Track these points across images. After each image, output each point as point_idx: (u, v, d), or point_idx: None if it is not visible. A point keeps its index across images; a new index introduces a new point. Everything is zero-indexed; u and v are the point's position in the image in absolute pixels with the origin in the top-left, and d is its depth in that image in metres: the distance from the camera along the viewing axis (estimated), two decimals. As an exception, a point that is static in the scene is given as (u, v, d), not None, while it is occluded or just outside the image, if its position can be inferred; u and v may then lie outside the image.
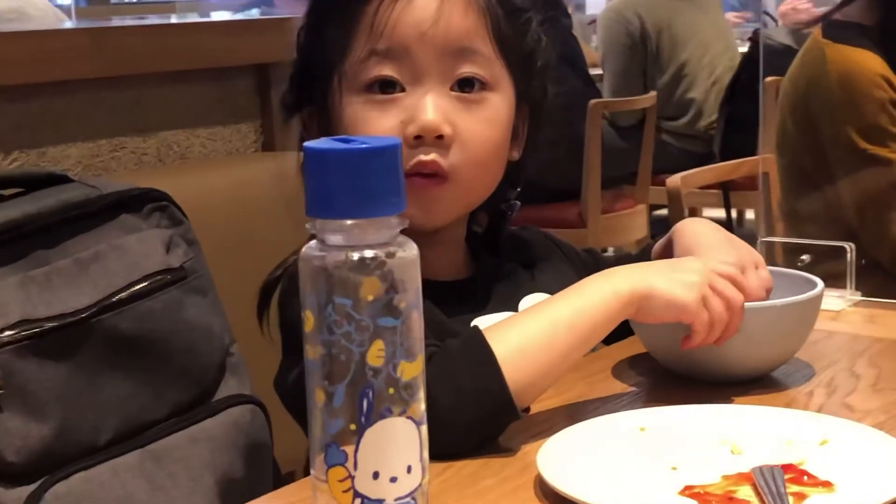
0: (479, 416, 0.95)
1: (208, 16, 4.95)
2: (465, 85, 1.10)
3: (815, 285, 1.12)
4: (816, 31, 2.00)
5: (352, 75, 1.10)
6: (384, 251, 0.68)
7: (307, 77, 1.16)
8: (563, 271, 1.24)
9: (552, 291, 1.09)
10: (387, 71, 1.09)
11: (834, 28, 1.98)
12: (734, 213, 4.82)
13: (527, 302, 1.17)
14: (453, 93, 1.10)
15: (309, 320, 0.69)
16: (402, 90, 1.09)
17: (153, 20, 2.76)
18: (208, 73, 1.75)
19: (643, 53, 4.46)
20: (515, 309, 1.15)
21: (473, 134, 1.10)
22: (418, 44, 1.08)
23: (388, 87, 1.09)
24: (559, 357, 0.99)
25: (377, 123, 1.09)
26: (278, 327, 1.14)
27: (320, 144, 0.68)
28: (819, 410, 1.03)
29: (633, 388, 1.11)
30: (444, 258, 1.17)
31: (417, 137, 1.08)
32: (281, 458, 1.24)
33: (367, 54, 1.09)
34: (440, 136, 1.08)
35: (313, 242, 0.69)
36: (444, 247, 1.17)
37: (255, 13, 4.53)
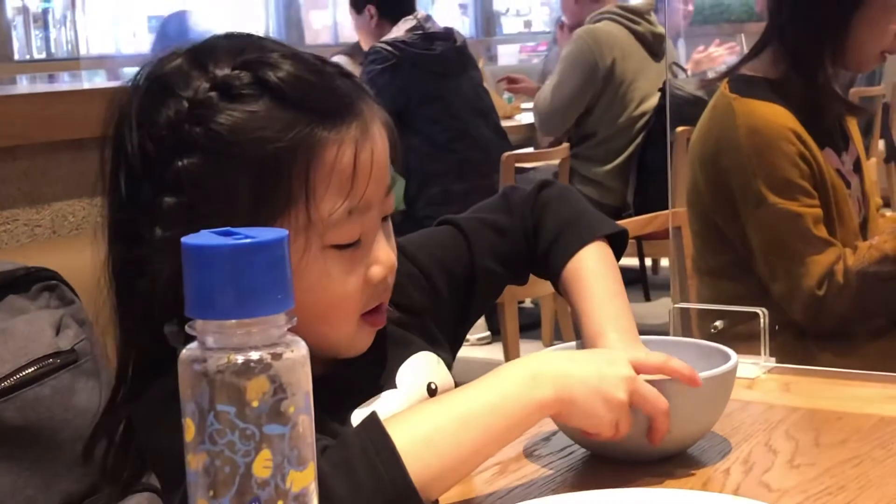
0: None
1: (116, 72, 4.88)
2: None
3: (728, 357, 1.10)
4: (723, 85, 2.00)
5: (320, 230, 0.97)
6: (270, 352, 0.63)
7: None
8: (426, 307, 1.16)
9: (433, 341, 1.06)
10: (358, 229, 1.00)
11: (740, 82, 1.98)
12: (648, 262, 4.84)
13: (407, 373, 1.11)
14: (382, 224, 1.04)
15: (189, 429, 0.64)
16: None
17: (44, 87, 2.69)
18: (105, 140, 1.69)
19: (598, 93, 4.40)
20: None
21: (394, 261, 1.05)
22: (375, 184, 1.00)
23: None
24: (469, 454, 0.94)
25: (350, 283, 1.00)
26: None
27: (199, 239, 0.64)
28: (736, 490, 1.00)
29: (546, 471, 1.07)
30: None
31: (383, 280, 1.02)
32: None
33: (342, 214, 0.97)
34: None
35: (193, 344, 0.64)
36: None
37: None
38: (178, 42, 1.01)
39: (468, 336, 1.30)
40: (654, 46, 4.33)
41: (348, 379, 1.06)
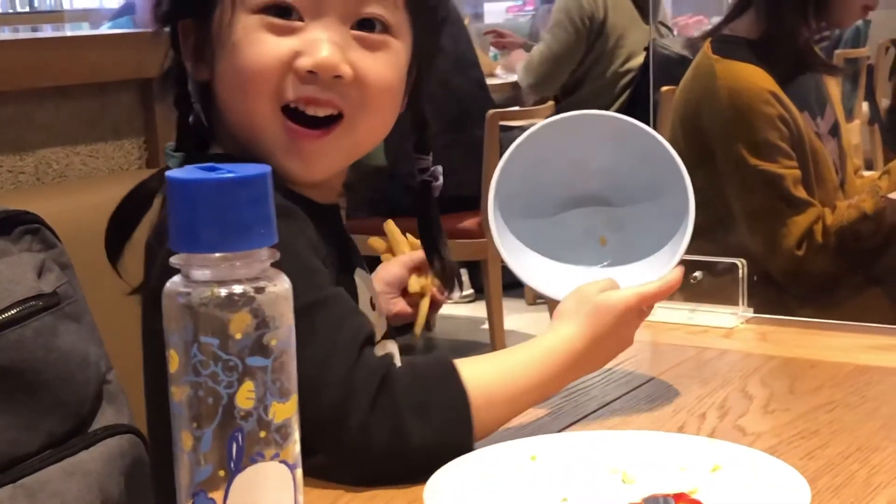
0: (434, 462, 0.91)
1: (100, 25, 4.86)
2: (367, 26, 1.04)
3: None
4: (706, 46, 2.01)
5: None
6: (253, 286, 0.64)
7: None
8: None
9: None
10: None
11: (722, 43, 1.99)
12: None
13: None
14: (353, 31, 1.03)
15: (174, 360, 0.65)
16: (300, 20, 1.02)
17: (28, 35, 2.68)
18: (89, 88, 1.69)
19: (590, 47, 4.39)
20: None
21: (373, 75, 1.04)
22: None
23: (284, 14, 1.02)
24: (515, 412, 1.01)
25: (269, 46, 1.01)
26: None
27: (183, 174, 0.64)
28: (711, 434, 1.01)
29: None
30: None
31: (311, 73, 1.01)
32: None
33: None
34: (338, 76, 1.02)
35: (177, 277, 0.65)
36: (319, 191, 1.11)
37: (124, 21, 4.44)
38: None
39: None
40: (643, 4, 4.34)
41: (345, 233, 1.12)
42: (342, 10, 1.03)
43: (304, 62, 1.01)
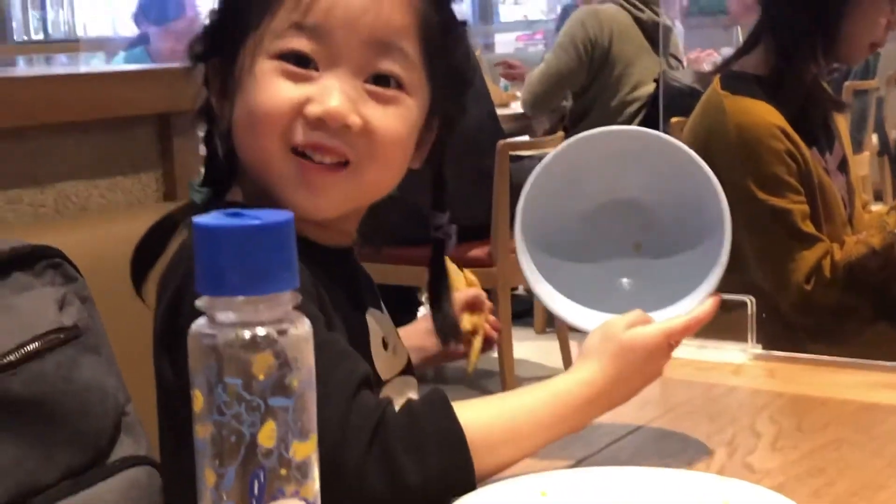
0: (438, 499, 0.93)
1: (115, 54, 4.90)
2: (381, 82, 1.07)
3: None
4: (715, 81, 2.03)
5: (268, 41, 1.06)
6: (276, 328, 0.67)
7: (223, 30, 1.12)
8: None
9: None
10: (304, 47, 1.05)
11: (732, 79, 2.02)
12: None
13: None
14: (367, 86, 1.06)
15: (198, 400, 0.67)
16: (315, 69, 1.05)
17: (50, 70, 2.71)
18: (108, 122, 1.72)
19: (594, 73, 4.42)
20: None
21: (382, 126, 1.06)
22: (343, 29, 1.05)
23: (301, 63, 1.05)
24: (526, 453, 1.01)
25: (282, 90, 1.05)
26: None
27: (210, 220, 0.66)
28: (720, 471, 1.03)
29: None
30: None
31: (319, 120, 1.04)
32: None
33: (288, 25, 1.05)
34: (346, 126, 1.04)
35: (202, 320, 0.67)
36: (329, 234, 1.13)
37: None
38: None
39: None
40: (654, 35, 4.36)
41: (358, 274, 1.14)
42: (357, 64, 1.05)
43: (313, 109, 1.04)
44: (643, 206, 1.13)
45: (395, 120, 1.07)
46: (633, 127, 1.13)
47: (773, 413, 1.20)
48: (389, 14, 1.06)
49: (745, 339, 1.41)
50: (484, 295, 1.33)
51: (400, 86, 1.07)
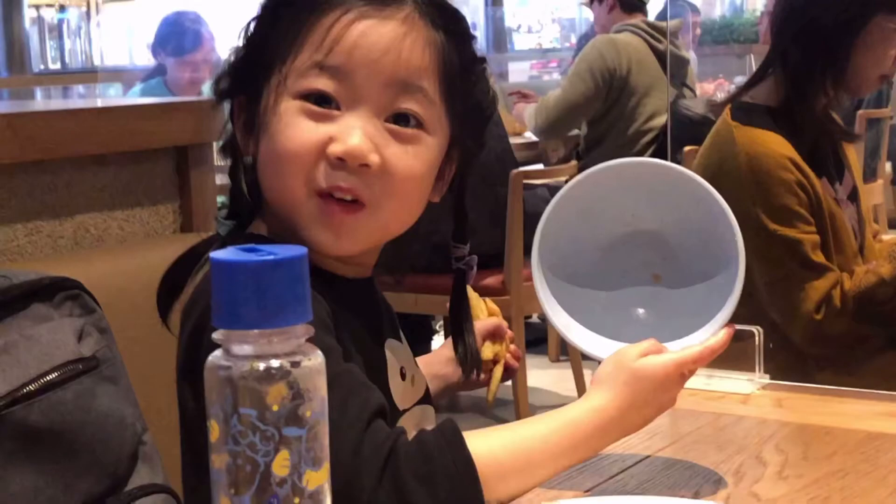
0: None
1: (132, 85, 4.94)
2: (401, 120, 1.09)
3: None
4: (726, 112, 2.05)
5: (291, 81, 1.09)
6: (289, 360, 0.69)
7: (247, 68, 1.14)
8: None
9: None
10: (326, 87, 1.08)
11: (742, 110, 2.04)
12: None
13: None
14: (387, 125, 1.09)
15: (214, 430, 0.69)
16: (337, 108, 1.08)
17: (66, 104, 2.74)
18: (125, 155, 1.75)
19: (611, 101, 4.42)
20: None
21: (400, 165, 1.08)
22: (365, 70, 1.07)
23: (323, 102, 1.08)
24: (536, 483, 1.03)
25: (305, 130, 1.07)
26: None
27: (227, 256, 0.69)
28: (727, 499, 1.04)
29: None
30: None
31: (340, 159, 1.07)
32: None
33: (311, 65, 1.08)
34: (366, 165, 1.07)
35: (218, 352, 0.70)
36: (350, 266, 1.16)
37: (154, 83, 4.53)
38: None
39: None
40: (672, 66, 4.38)
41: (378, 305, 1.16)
42: (378, 104, 1.08)
43: (335, 148, 1.07)
44: (661, 238, 1.14)
45: (414, 159, 1.10)
46: (652, 159, 1.15)
47: (779, 442, 1.21)
48: (410, 54, 1.08)
49: (752, 370, 1.42)
50: (505, 324, 1.35)
51: (420, 124, 1.10)
